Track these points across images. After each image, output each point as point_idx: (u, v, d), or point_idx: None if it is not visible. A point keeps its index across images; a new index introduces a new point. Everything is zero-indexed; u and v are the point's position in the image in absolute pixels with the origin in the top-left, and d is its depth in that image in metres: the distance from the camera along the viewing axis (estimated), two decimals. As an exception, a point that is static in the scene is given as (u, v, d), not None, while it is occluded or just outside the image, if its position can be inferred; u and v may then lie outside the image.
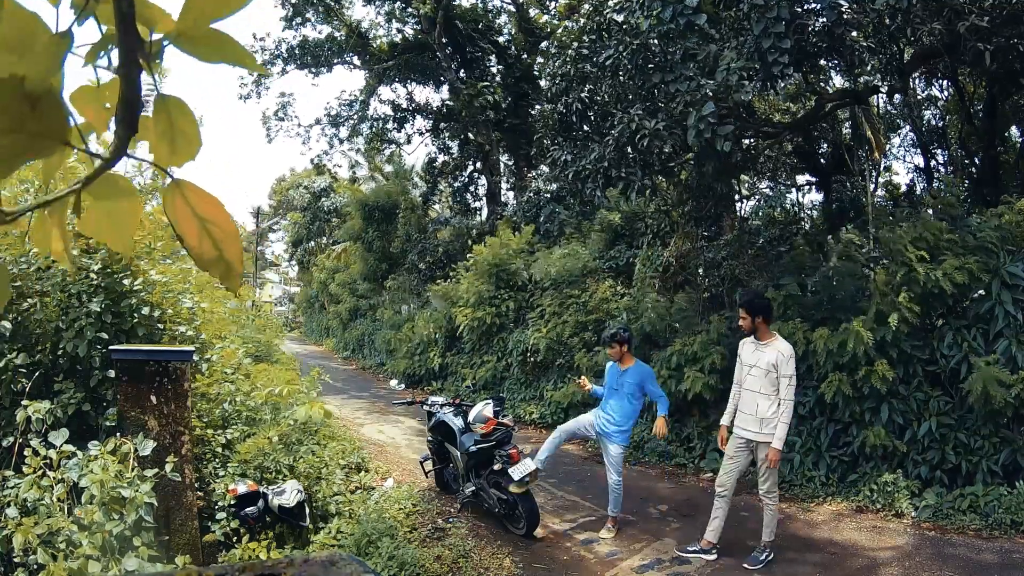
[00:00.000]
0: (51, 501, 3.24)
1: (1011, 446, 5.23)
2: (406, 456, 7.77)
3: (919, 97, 12.12)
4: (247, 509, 4.42)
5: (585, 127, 7.76)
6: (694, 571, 4.49)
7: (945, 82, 11.32)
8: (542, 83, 13.93)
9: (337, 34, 18.02)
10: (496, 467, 5.09)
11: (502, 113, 16.29)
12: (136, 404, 3.91)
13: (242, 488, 4.47)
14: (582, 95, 7.44)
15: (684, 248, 8.91)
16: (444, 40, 16.61)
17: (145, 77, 0.59)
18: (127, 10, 0.54)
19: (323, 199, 28.10)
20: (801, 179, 13.31)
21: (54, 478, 3.30)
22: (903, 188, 13.78)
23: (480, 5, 18.29)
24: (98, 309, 4.21)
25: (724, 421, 4.67)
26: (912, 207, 9.17)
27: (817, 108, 7.97)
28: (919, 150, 12.63)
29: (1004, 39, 6.36)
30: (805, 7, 5.89)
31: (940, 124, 12.48)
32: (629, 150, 6.60)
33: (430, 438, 6.12)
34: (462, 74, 17.27)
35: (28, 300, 4.20)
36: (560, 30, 9.00)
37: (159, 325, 4.68)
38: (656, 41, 6.13)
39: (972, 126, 10.44)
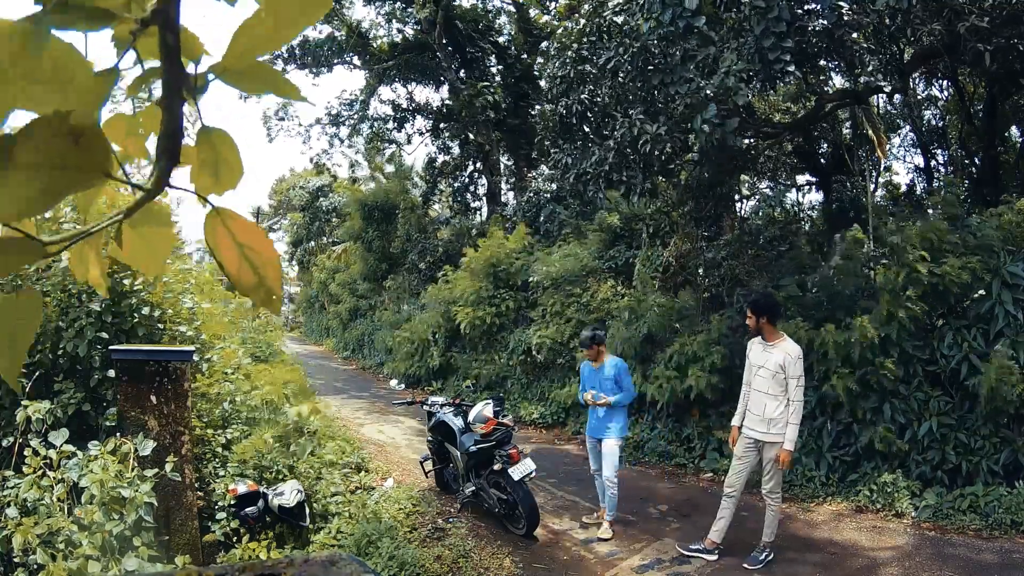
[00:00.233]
0: (51, 501, 3.24)
1: (1011, 446, 5.23)
2: (406, 456, 7.77)
3: (919, 97, 12.12)
4: (247, 509, 4.42)
5: (585, 128, 7.76)
6: (694, 571, 4.49)
7: (945, 82, 11.32)
8: (542, 83, 13.92)
9: (337, 34, 18.03)
10: (496, 467, 5.09)
11: (502, 113, 16.29)
12: (136, 404, 3.91)
13: (242, 488, 4.47)
14: (582, 96, 7.44)
15: (684, 248, 8.91)
16: (444, 40, 16.61)
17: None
18: (173, 44, 0.55)
19: (322, 199, 28.09)
20: (801, 179, 13.32)
21: (54, 478, 3.30)
22: (903, 188, 13.79)
23: (480, 5, 18.29)
24: (98, 309, 4.21)
25: (735, 422, 4.68)
26: (915, 207, 9.17)
27: (817, 108, 7.98)
28: (919, 150, 12.64)
29: (1004, 39, 6.36)
30: (806, 8, 5.89)
31: (940, 124, 12.48)
32: (630, 152, 6.60)
33: (430, 438, 6.11)
34: (462, 74, 17.28)
35: (28, 300, 4.20)
36: (560, 31, 9.00)
37: (159, 325, 4.68)
38: (656, 43, 6.14)
39: (972, 126, 10.44)
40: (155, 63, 0.58)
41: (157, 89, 0.58)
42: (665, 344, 7.78)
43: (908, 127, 12.87)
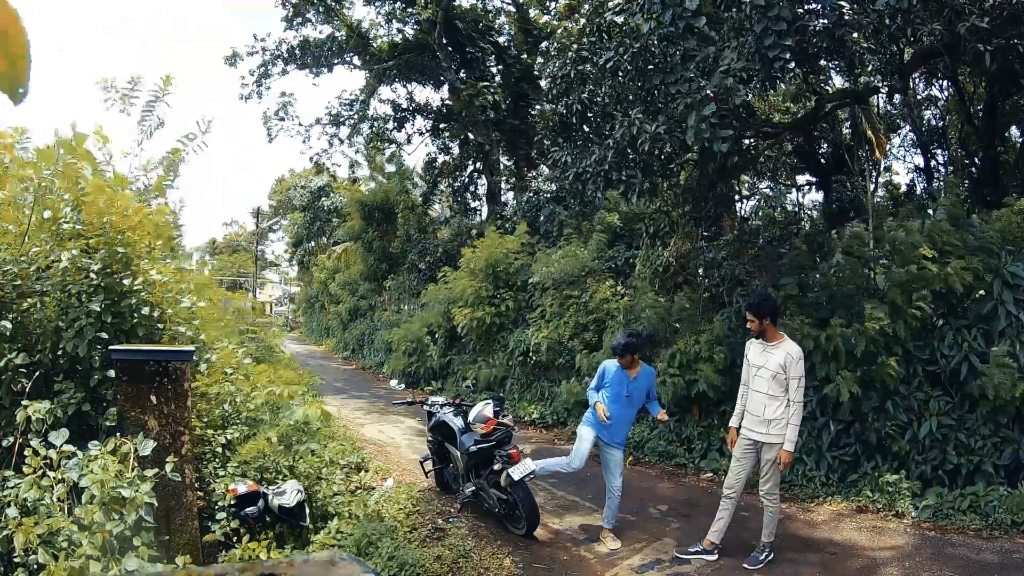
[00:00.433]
0: (51, 501, 3.24)
1: (1012, 446, 5.23)
2: (406, 456, 7.77)
3: (919, 97, 12.13)
4: (247, 509, 4.41)
5: (585, 128, 7.76)
6: (694, 571, 4.49)
7: (945, 82, 11.33)
8: (542, 83, 13.94)
9: (337, 34, 18.04)
10: (496, 467, 5.09)
11: (502, 113, 16.30)
12: (136, 404, 3.91)
13: (242, 488, 4.46)
14: (582, 96, 7.44)
15: (684, 248, 8.91)
16: (444, 40, 16.61)
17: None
18: None
19: (323, 199, 28.11)
20: (801, 179, 13.34)
21: (54, 478, 3.30)
22: (903, 188, 13.81)
23: (480, 5, 18.30)
24: (98, 309, 4.21)
25: (733, 423, 4.66)
26: (917, 206, 9.17)
27: (817, 108, 7.98)
28: (919, 150, 12.66)
29: (1004, 39, 6.37)
30: (806, 7, 5.89)
31: (940, 124, 12.49)
32: (630, 152, 6.60)
33: (430, 438, 6.11)
34: (462, 74, 17.29)
35: (28, 300, 4.20)
36: (560, 31, 9.01)
37: (159, 325, 4.68)
38: (656, 43, 6.14)
39: (972, 126, 10.45)
40: None
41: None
42: (665, 344, 7.79)
43: (908, 127, 12.89)
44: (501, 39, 18.24)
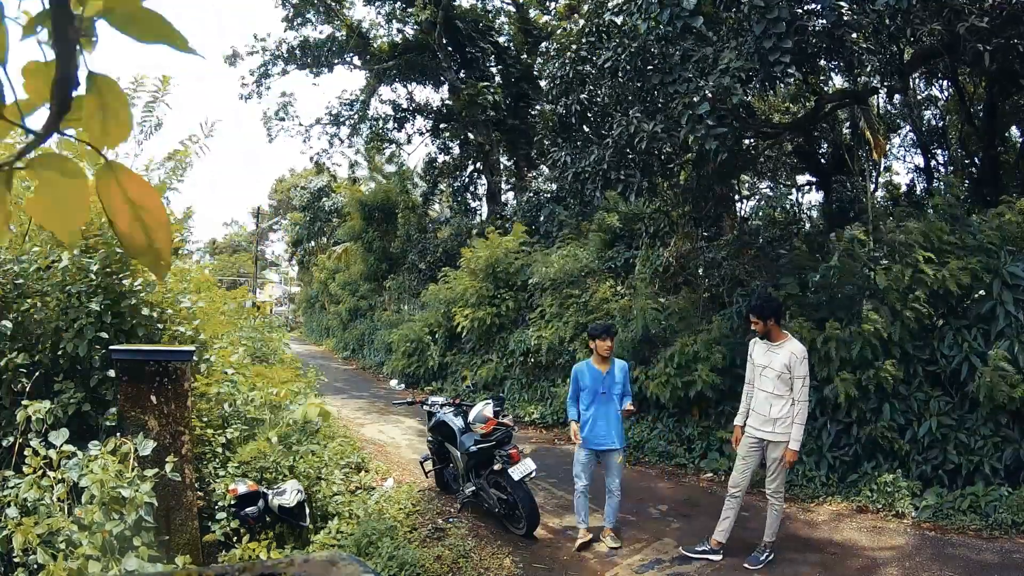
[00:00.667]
0: (51, 501, 3.24)
1: (1012, 446, 5.23)
2: (406, 456, 7.77)
3: (919, 97, 12.13)
4: (247, 509, 4.42)
5: (585, 128, 7.76)
6: (694, 571, 4.49)
7: (945, 82, 11.33)
8: (542, 83, 13.93)
9: (338, 34, 18.04)
10: (496, 467, 5.09)
11: (502, 113, 16.31)
12: (136, 404, 3.91)
13: (242, 488, 4.47)
14: (581, 97, 7.45)
15: (684, 248, 8.90)
16: (444, 40, 16.61)
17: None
18: None
19: (323, 199, 28.10)
20: (801, 179, 13.32)
21: (54, 478, 3.30)
22: (903, 188, 13.80)
23: (480, 5, 18.31)
24: (98, 309, 4.21)
25: (738, 421, 4.68)
26: (915, 207, 9.17)
27: (817, 108, 7.98)
28: (919, 150, 12.65)
29: (1004, 39, 6.36)
30: (805, 7, 5.89)
31: (940, 124, 12.49)
32: (628, 151, 6.60)
33: (430, 438, 6.11)
34: (462, 74, 17.28)
35: (28, 300, 4.20)
36: (559, 31, 9.01)
37: (159, 325, 4.68)
38: (654, 43, 6.14)
39: (972, 126, 10.44)
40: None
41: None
42: (665, 344, 7.79)
43: (908, 127, 12.88)
44: (501, 39, 18.24)
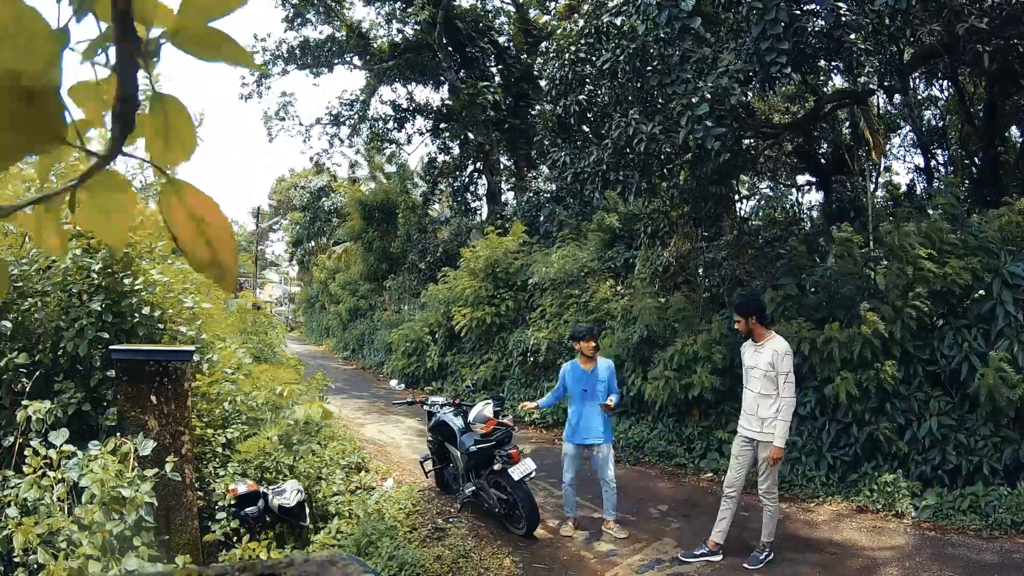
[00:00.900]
0: (51, 501, 3.24)
1: (1012, 446, 5.23)
2: (406, 456, 7.77)
3: (919, 97, 12.13)
4: (247, 509, 4.42)
5: (584, 128, 7.77)
6: (694, 571, 4.49)
7: (945, 82, 11.33)
8: (542, 83, 13.94)
9: (338, 34, 18.06)
10: (496, 467, 5.10)
11: (502, 113, 16.31)
12: (136, 404, 3.91)
13: (242, 488, 4.47)
14: (580, 97, 7.45)
15: (684, 248, 8.91)
16: (444, 40, 16.62)
17: (142, 74, 0.58)
18: (124, 6, 0.53)
19: (323, 199, 28.11)
20: (801, 179, 13.34)
21: (54, 478, 3.30)
22: (903, 188, 13.80)
23: (480, 5, 18.31)
24: (99, 309, 4.22)
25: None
26: (915, 207, 9.18)
27: (817, 108, 7.99)
28: (919, 150, 12.64)
29: (1003, 40, 6.37)
30: (804, 8, 5.89)
31: (940, 124, 12.49)
32: (628, 152, 6.61)
33: (430, 438, 6.12)
34: (462, 74, 17.29)
35: (28, 300, 4.20)
36: (559, 32, 9.01)
37: (159, 325, 4.68)
38: (653, 44, 6.14)
39: (972, 126, 10.45)
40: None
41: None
42: (664, 344, 7.79)
43: (908, 127, 12.88)
44: (501, 39, 18.24)
